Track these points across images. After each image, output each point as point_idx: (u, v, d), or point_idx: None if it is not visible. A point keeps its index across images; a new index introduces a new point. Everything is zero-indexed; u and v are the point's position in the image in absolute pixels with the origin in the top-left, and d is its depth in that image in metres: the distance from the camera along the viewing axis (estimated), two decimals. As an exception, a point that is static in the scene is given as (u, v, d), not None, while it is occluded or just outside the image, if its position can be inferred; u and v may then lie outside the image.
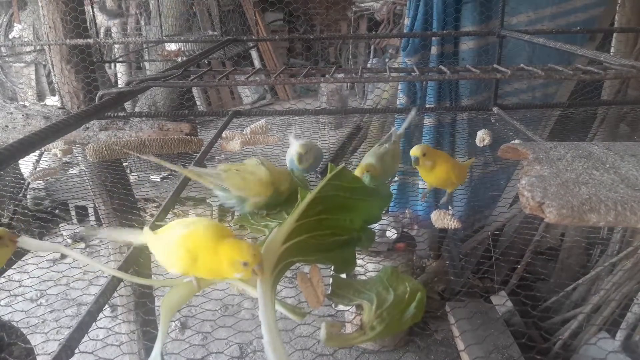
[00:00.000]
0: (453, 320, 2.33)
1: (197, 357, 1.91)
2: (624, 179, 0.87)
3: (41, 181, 3.09)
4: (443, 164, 1.12)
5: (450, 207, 1.22)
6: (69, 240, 3.49)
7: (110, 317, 2.12)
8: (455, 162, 1.18)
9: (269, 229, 0.95)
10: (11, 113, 1.69)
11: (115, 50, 4.98)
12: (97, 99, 1.00)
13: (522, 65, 1.08)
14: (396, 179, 2.19)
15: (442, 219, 1.19)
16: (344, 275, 0.87)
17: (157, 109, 4.28)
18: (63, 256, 3.24)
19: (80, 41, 1.87)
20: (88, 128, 1.67)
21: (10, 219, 1.90)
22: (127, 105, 4.02)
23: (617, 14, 2.48)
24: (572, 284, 2.30)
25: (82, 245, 3.47)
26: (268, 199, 0.97)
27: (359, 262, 0.92)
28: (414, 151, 1.10)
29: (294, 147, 1.18)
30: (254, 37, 5.19)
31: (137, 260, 0.94)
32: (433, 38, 2.56)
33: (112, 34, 5.27)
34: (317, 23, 7.60)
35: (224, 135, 1.70)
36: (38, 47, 4.66)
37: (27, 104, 1.83)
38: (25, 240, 0.81)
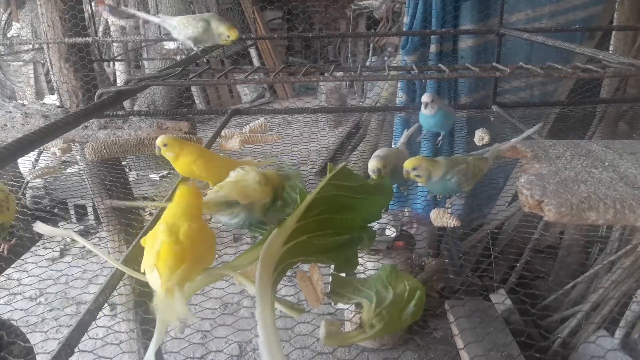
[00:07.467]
0: (452, 318, 2.33)
1: (197, 356, 1.91)
2: (622, 177, 0.87)
3: (40, 180, 3.09)
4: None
5: (449, 206, 1.22)
6: (69, 239, 3.49)
7: (109, 315, 2.12)
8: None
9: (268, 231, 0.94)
10: (10, 112, 1.69)
11: (114, 48, 4.97)
12: (96, 97, 1.00)
13: (521, 63, 1.08)
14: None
15: (441, 218, 1.19)
16: (343, 274, 0.87)
17: (156, 107, 4.27)
18: (62, 255, 3.25)
19: (79, 39, 1.87)
20: (87, 127, 1.67)
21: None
22: (126, 103, 4.01)
23: (616, 11, 2.48)
24: (571, 282, 2.30)
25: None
26: (271, 198, 0.93)
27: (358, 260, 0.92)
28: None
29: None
30: (252, 35, 5.19)
31: (137, 260, 0.94)
32: (432, 36, 2.57)
33: (111, 33, 5.26)
34: (316, 21, 7.60)
35: (223, 133, 1.70)
36: (36, 46, 4.65)
37: (25, 102, 1.83)
38: (39, 226, 0.81)
